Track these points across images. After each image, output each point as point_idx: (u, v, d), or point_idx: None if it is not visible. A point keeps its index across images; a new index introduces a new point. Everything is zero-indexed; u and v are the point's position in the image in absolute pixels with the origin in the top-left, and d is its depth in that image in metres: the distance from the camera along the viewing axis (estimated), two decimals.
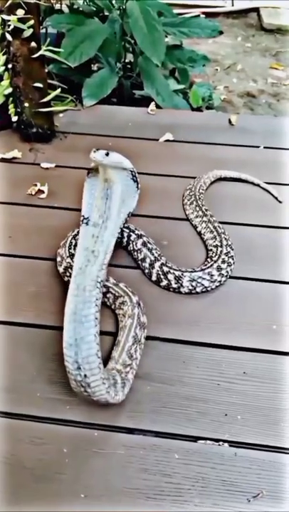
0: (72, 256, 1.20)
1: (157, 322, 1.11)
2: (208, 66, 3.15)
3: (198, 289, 1.19)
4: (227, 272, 1.23)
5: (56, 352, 1.05)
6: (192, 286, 1.18)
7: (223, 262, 1.23)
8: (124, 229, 1.30)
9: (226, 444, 0.91)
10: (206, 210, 1.40)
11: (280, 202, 1.49)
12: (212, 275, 1.20)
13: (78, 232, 1.25)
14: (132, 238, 1.29)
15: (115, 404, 0.94)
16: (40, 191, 1.50)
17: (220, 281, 1.21)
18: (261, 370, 1.04)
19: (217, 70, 3.29)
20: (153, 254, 1.23)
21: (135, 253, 1.27)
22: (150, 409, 0.96)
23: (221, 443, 0.91)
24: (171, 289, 1.20)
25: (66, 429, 0.93)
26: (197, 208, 1.41)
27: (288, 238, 1.37)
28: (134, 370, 1.00)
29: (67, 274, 1.19)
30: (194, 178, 1.54)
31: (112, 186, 0.92)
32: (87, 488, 0.85)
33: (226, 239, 1.30)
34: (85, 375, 0.84)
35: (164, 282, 1.20)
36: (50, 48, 1.62)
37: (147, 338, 1.07)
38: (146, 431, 0.93)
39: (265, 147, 1.72)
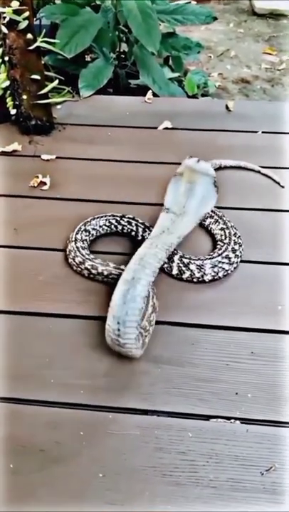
0: (76, 241, 1.24)
1: (166, 308, 1.13)
2: (201, 53, 3.15)
3: (220, 274, 1.20)
4: (240, 252, 1.25)
5: (68, 339, 1.07)
6: (214, 272, 1.19)
7: (235, 243, 1.25)
8: (139, 224, 1.31)
9: (238, 422, 0.94)
10: None
11: (282, 187, 1.50)
12: (229, 258, 1.21)
13: (86, 222, 1.30)
14: (146, 235, 1.28)
15: (129, 388, 0.98)
16: (43, 183, 1.51)
17: (237, 263, 1.23)
18: (268, 350, 1.06)
19: (210, 57, 3.28)
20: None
21: None
22: (162, 391, 0.98)
23: (232, 420, 0.94)
24: (195, 280, 1.20)
25: (81, 413, 0.95)
26: None
27: None
28: (150, 335, 1.06)
29: (75, 261, 1.22)
30: None
31: (195, 187, 1.06)
32: (104, 467, 0.88)
33: (228, 221, 1.32)
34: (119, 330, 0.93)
35: (187, 274, 1.20)
36: (46, 39, 1.62)
37: (157, 322, 1.10)
38: (159, 412, 0.96)
39: (263, 132, 1.73)
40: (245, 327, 1.11)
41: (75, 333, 1.09)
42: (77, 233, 1.27)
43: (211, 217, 1.35)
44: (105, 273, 1.18)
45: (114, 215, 1.33)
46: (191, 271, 1.19)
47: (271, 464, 0.88)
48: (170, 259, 1.20)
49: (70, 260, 1.24)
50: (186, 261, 1.20)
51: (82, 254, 1.21)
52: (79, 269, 1.22)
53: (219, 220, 1.33)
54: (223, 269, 1.20)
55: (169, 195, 1.08)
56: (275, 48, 3.39)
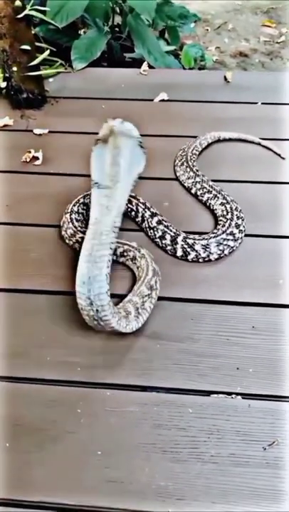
0: (71, 212, 1.22)
1: (164, 284, 1.10)
2: (198, 26, 3.06)
3: (226, 252, 1.17)
4: (244, 227, 1.21)
5: (63, 316, 1.04)
6: (220, 250, 1.16)
7: (238, 218, 1.21)
8: (140, 204, 1.26)
9: (239, 397, 0.92)
10: (197, 170, 1.37)
11: (283, 158, 1.46)
12: (234, 234, 1.18)
13: (86, 195, 1.26)
14: (146, 215, 1.24)
15: (127, 365, 0.96)
16: (35, 158, 1.46)
17: (241, 238, 1.20)
18: (269, 324, 1.04)
19: (207, 30, 3.18)
20: (171, 230, 1.18)
21: (151, 231, 1.22)
22: (161, 367, 0.96)
23: (233, 396, 0.92)
24: (201, 260, 1.16)
25: (78, 391, 0.93)
26: (188, 169, 1.38)
27: None
28: (153, 299, 1.04)
29: (67, 233, 1.19)
30: (192, 137, 1.50)
31: (120, 153, 0.96)
32: (103, 445, 0.86)
33: (227, 195, 1.28)
34: (97, 310, 0.89)
35: (192, 255, 1.15)
36: (36, 7, 1.55)
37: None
38: (158, 388, 0.93)
39: (263, 103, 1.68)
40: (245, 301, 1.08)
41: (70, 311, 1.05)
42: (74, 205, 1.24)
43: (209, 192, 1.31)
44: None
45: None
46: (197, 251, 1.15)
47: (274, 439, 0.86)
48: (173, 241, 1.16)
49: (62, 232, 1.21)
50: (190, 242, 1.15)
51: (75, 226, 1.18)
52: (71, 242, 1.18)
53: (218, 195, 1.29)
54: (229, 246, 1.17)
55: (95, 168, 0.97)
56: (274, 20, 3.29)
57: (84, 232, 1.15)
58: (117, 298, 1.06)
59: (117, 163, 0.94)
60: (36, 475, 0.82)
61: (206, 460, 0.84)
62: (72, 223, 1.19)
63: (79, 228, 1.17)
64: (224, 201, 1.27)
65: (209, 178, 1.35)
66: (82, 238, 1.14)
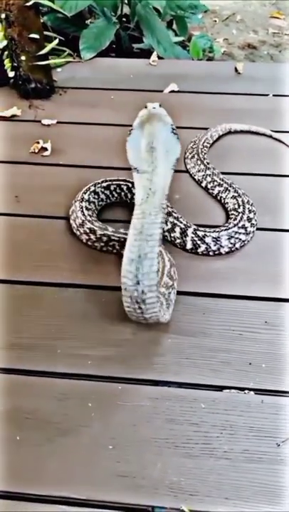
0: (81, 200, 1.20)
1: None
2: (206, 18, 3.01)
3: (237, 245, 1.15)
4: (255, 220, 1.19)
5: (74, 309, 1.03)
6: (231, 243, 1.14)
7: (250, 211, 1.20)
8: None
9: (252, 392, 0.90)
10: (208, 163, 1.35)
11: None
12: (246, 227, 1.16)
13: (97, 184, 1.24)
14: None
15: (139, 359, 0.94)
16: (44, 149, 1.45)
17: (253, 232, 1.18)
18: (282, 319, 1.02)
19: (215, 21, 3.14)
20: (182, 222, 1.16)
21: None
22: (173, 361, 0.95)
23: (246, 391, 0.91)
24: (211, 253, 1.14)
25: (90, 384, 0.92)
26: (199, 162, 1.36)
27: None
28: (175, 290, 1.03)
29: (75, 223, 1.17)
30: (204, 129, 1.48)
31: (156, 138, 0.93)
32: (114, 439, 0.85)
33: (239, 188, 1.26)
34: (143, 291, 0.85)
35: (203, 247, 1.13)
36: None
37: None
38: (170, 382, 0.92)
39: (274, 95, 1.65)
40: (258, 296, 1.06)
41: (80, 303, 1.04)
42: (84, 193, 1.22)
43: (220, 185, 1.29)
44: (104, 239, 1.12)
45: (126, 181, 1.26)
46: (207, 244, 1.13)
47: (288, 435, 0.84)
48: (183, 233, 1.14)
49: (71, 221, 1.19)
50: (200, 234, 1.13)
51: (84, 215, 1.16)
52: (78, 232, 1.16)
53: (229, 188, 1.27)
54: (240, 239, 1.15)
55: (132, 153, 0.96)
56: (283, 12, 3.24)
57: (92, 223, 1.14)
58: None
59: (154, 148, 0.92)
60: (46, 468, 0.81)
61: (219, 456, 0.82)
62: (82, 212, 1.17)
63: (88, 218, 1.15)
64: (235, 194, 1.25)
65: (220, 171, 1.33)
66: (91, 230, 1.13)
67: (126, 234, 1.10)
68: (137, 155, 0.93)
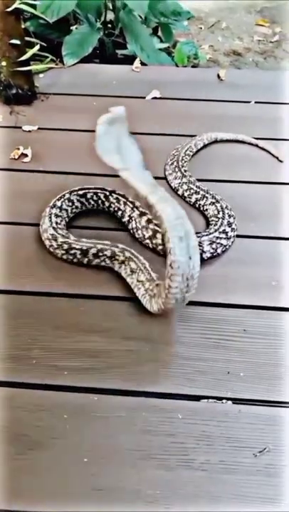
0: (53, 207, 1.19)
1: None
2: (191, 24, 3.03)
3: (218, 250, 1.14)
4: (236, 225, 1.19)
5: (50, 318, 1.02)
6: (213, 248, 1.13)
7: (230, 216, 1.19)
8: (128, 203, 1.21)
9: (230, 402, 0.89)
10: (186, 171, 1.34)
11: (280, 161, 1.44)
12: (226, 232, 1.16)
13: (72, 191, 1.23)
14: (133, 216, 1.20)
15: (113, 369, 0.93)
16: (24, 155, 1.43)
17: (233, 237, 1.18)
18: (261, 327, 1.02)
19: (201, 28, 3.16)
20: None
21: (139, 232, 1.18)
22: (150, 371, 0.93)
23: (224, 401, 0.90)
24: None
25: (65, 395, 0.90)
26: (176, 169, 1.35)
27: (286, 194, 1.33)
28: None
29: (42, 227, 1.16)
30: (186, 136, 1.48)
31: (122, 141, 0.96)
32: (90, 452, 0.83)
33: (216, 194, 1.26)
34: (194, 266, 0.86)
35: None
36: (26, 1, 1.52)
37: None
38: (147, 392, 0.91)
39: (256, 102, 1.66)
40: (236, 304, 1.06)
41: (56, 313, 1.03)
42: (58, 199, 1.20)
43: (197, 193, 1.28)
44: (65, 247, 1.10)
45: (103, 189, 1.25)
46: None
47: (265, 445, 0.83)
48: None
49: (39, 227, 1.17)
50: None
51: (51, 222, 1.14)
52: (43, 237, 1.15)
53: (206, 195, 1.27)
54: (221, 244, 1.15)
55: (109, 158, 0.96)
56: (268, 20, 3.27)
57: (56, 230, 1.12)
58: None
59: (122, 150, 0.94)
60: (19, 483, 0.79)
61: (196, 467, 0.81)
62: (50, 218, 1.15)
63: (54, 225, 1.14)
64: (214, 200, 1.25)
65: (203, 179, 1.33)
66: (53, 236, 1.11)
67: (88, 243, 1.09)
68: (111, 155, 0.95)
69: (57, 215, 1.17)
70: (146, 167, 0.95)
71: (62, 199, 1.21)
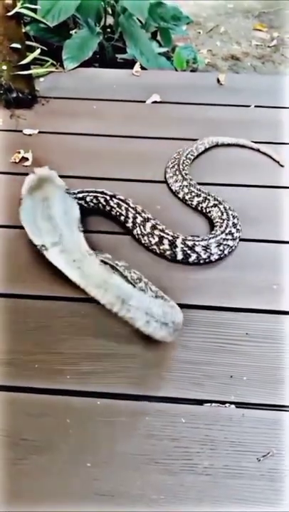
0: None
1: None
2: (190, 29, 3.04)
3: (226, 252, 1.15)
4: (240, 226, 1.20)
5: (52, 322, 1.01)
6: (220, 250, 1.13)
7: (234, 217, 1.20)
8: (130, 209, 1.20)
9: (233, 406, 0.89)
10: (186, 174, 1.35)
11: (281, 166, 1.44)
12: (232, 233, 1.16)
13: (72, 193, 1.21)
14: (138, 221, 1.19)
15: (116, 373, 0.93)
16: (25, 159, 1.43)
17: (239, 237, 1.18)
18: (263, 331, 1.01)
19: (199, 33, 3.17)
20: (168, 234, 1.14)
21: (145, 238, 1.18)
22: (153, 375, 0.93)
23: (227, 405, 0.89)
24: (202, 261, 1.13)
25: (68, 400, 0.90)
26: (177, 172, 1.35)
27: (287, 197, 1.33)
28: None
29: None
30: (187, 140, 1.48)
31: (53, 206, 0.91)
32: (93, 456, 0.83)
33: (217, 196, 1.26)
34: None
35: (193, 257, 1.12)
36: (27, 5, 1.52)
37: None
38: (150, 397, 0.90)
39: (256, 106, 1.67)
40: (239, 307, 1.06)
41: (59, 316, 1.02)
42: None
43: (198, 195, 1.28)
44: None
45: (104, 193, 1.25)
46: (197, 253, 1.12)
47: (268, 450, 0.83)
48: (172, 244, 1.13)
49: None
50: (190, 243, 1.12)
51: None
52: None
53: (208, 197, 1.27)
54: (228, 245, 1.15)
55: (32, 230, 0.92)
56: (266, 25, 3.29)
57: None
58: None
59: (50, 216, 0.87)
60: (21, 488, 0.79)
61: (200, 472, 0.81)
62: None
63: None
64: (216, 202, 1.25)
65: (203, 182, 1.33)
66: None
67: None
68: (39, 229, 0.89)
69: None
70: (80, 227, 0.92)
71: None
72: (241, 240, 1.20)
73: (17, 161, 1.42)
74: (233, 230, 1.17)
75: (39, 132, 1.54)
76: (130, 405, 0.89)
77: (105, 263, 1.06)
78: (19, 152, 1.44)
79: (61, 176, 1.36)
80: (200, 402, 0.90)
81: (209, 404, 0.90)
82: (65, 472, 0.81)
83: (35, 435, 0.85)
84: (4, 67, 1.55)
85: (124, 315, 0.85)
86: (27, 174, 1.37)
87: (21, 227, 1.21)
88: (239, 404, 0.89)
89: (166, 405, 0.89)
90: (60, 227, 0.88)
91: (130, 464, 0.82)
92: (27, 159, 1.43)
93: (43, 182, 0.88)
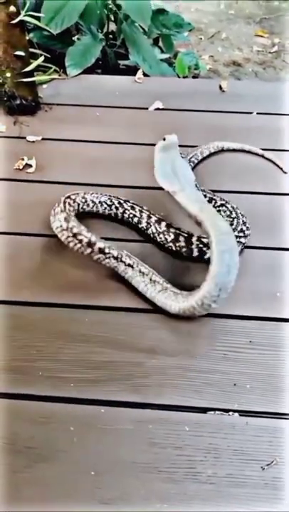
0: (68, 197, 1.20)
1: None
2: (191, 35, 3.06)
3: (239, 249, 1.15)
4: (249, 223, 1.21)
5: (56, 329, 1.01)
6: None
7: (242, 215, 1.21)
8: (144, 211, 1.22)
9: (236, 414, 0.89)
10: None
11: (285, 173, 1.44)
12: (244, 231, 1.18)
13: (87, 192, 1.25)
14: (152, 220, 1.20)
15: (120, 381, 0.93)
16: (28, 165, 1.44)
17: (249, 235, 1.20)
18: (267, 338, 1.02)
19: (201, 39, 3.19)
20: (184, 232, 1.15)
21: (161, 235, 1.19)
22: (156, 383, 0.93)
23: (231, 413, 0.89)
24: None
25: (71, 407, 0.90)
26: None
27: None
28: None
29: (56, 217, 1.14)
30: (190, 147, 1.48)
31: (176, 164, 1.06)
32: (96, 465, 0.83)
33: (222, 198, 1.28)
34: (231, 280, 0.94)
35: (208, 254, 1.12)
36: (30, 13, 1.53)
37: (147, 311, 1.05)
38: (153, 405, 0.90)
39: (258, 113, 1.67)
40: (242, 315, 1.06)
41: (62, 323, 1.03)
42: (73, 193, 1.21)
43: (204, 196, 1.29)
44: (75, 230, 1.08)
45: (118, 197, 1.26)
46: None
47: (272, 458, 0.83)
48: (188, 241, 1.14)
49: (51, 220, 1.15)
50: (205, 241, 1.13)
51: (65, 207, 1.14)
52: (58, 230, 1.12)
53: (214, 198, 1.29)
54: (241, 243, 1.17)
55: (164, 178, 1.05)
56: (267, 31, 3.31)
57: (70, 216, 1.12)
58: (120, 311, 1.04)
59: (177, 173, 1.04)
60: (25, 496, 0.79)
61: (203, 481, 0.81)
62: (65, 210, 1.13)
63: (67, 211, 1.13)
64: (223, 202, 1.27)
65: (208, 188, 1.34)
66: (66, 220, 1.09)
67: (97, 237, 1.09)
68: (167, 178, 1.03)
69: (70, 204, 1.17)
70: (198, 187, 1.02)
71: (76, 194, 1.22)
72: (246, 247, 1.20)
73: (20, 167, 1.43)
74: (244, 228, 1.18)
75: (42, 139, 1.54)
76: (134, 413, 0.89)
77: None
78: (22, 159, 1.45)
79: (64, 183, 1.38)
80: (203, 410, 0.90)
81: (213, 412, 0.90)
82: (70, 480, 0.81)
83: (38, 443, 0.85)
84: (8, 75, 1.56)
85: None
86: (30, 181, 1.39)
87: (23, 234, 1.23)
88: (243, 413, 0.89)
89: (169, 413, 0.89)
90: (183, 183, 1.02)
91: (134, 472, 0.82)
92: (30, 166, 1.43)
93: (170, 146, 1.05)
